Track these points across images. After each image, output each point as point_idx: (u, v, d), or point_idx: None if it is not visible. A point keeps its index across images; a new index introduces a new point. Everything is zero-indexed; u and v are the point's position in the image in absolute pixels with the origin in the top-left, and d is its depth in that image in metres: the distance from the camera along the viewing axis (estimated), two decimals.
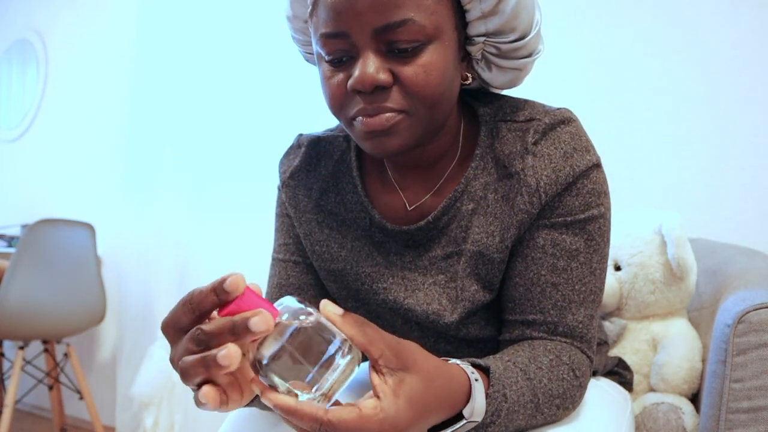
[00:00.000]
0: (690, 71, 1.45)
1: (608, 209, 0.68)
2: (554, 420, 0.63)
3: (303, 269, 0.81)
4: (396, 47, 0.59)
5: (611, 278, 1.08)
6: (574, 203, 0.66)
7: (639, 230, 1.08)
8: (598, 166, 0.67)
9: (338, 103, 0.63)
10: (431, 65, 0.60)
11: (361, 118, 0.61)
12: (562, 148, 0.66)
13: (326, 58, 0.62)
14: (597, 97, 1.55)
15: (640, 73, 1.50)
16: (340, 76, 0.62)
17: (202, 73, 2.29)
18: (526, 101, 0.71)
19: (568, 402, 0.63)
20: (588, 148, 0.67)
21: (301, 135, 0.83)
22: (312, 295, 0.82)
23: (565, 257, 0.66)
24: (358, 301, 0.77)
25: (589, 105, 1.56)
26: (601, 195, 0.67)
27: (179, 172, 2.33)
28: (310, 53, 0.75)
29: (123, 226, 2.45)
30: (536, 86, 1.64)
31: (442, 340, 0.74)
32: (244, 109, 2.18)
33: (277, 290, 0.81)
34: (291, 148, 0.83)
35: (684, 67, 1.45)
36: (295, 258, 0.81)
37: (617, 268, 1.09)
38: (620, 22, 1.54)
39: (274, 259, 0.83)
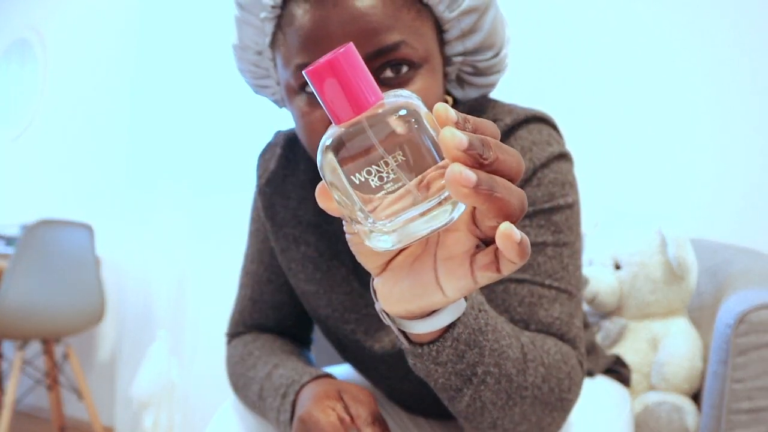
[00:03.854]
0: (690, 71, 1.44)
1: (576, 201, 0.63)
2: (540, 400, 0.52)
3: (276, 288, 0.79)
4: (386, 74, 0.54)
5: (611, 277, 1.08)
6: (536, 194, 0.61)
7: (639, 229, 1.08)
8: (561, 156, 0.63)
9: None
10: (425, 91, 0.56)
11: None
12: (519, 145, 0.62)
13: (303, 90, 0.57)
14: (598, 96, 1.55)
15: (640, 73, 1.50)
16: (322, 110, 0.56)
17: (202, 72, 2.29)
18: (495, 102, 0.67)
19: (554, 382, 0.52)
20: (549, 141, 0.63)
21: (279, 132, 0.79)
22: (287, 313, 0.80)
23: (531, 252, 0.61)
24: (327, 327, 0.74)
25: (590, 105, 1.56)
26: (565, 185, 0.62)
27: (179, 172, 2.33)
28: (261, 86, 0.68)
29: (122, 226, 2.45)
30: (540, 87, 1.64)
31: (412, 372, 0.68)
32: (244, 108, 2.17)
33: (251, 304, 0.80)
34: (269, 145, 0.79)
35: (684, 66, 1.45)
36: (268, 275, 0.78)
37: (617, 267, 1.09)
38: (621, 18, 1.54)
39: (247, 267, 0.81)
